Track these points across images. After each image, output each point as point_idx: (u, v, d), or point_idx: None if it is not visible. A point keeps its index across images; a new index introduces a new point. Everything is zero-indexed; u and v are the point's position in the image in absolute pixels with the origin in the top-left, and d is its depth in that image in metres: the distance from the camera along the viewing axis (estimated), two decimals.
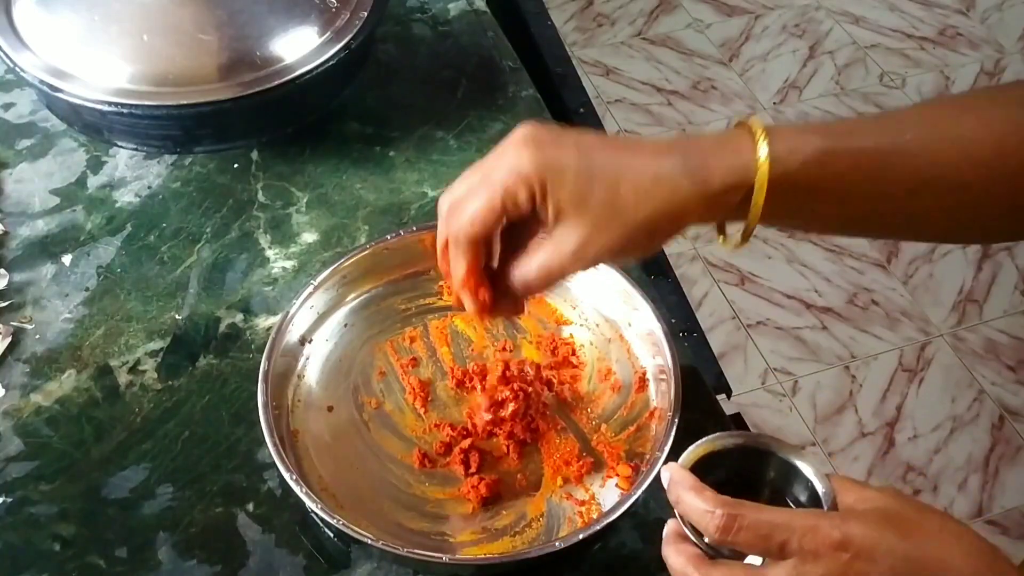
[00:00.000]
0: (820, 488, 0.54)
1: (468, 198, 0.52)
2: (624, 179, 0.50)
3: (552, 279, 0.53)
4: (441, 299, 0.74)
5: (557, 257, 0.51)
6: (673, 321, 0.69)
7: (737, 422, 0.72)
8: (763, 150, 0.50)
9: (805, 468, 0.56)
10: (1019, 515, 1.61)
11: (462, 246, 0.53)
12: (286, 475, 0.61)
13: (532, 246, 0.53)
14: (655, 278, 0.83)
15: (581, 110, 1.01)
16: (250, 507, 0.65)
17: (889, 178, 0.52)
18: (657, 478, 0.61)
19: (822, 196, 0.52)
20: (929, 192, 0.53)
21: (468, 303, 0.55)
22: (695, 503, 0.49)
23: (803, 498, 0.56)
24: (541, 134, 0.51)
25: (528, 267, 0.53)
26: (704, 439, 0.56)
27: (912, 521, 0.47)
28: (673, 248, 1.96)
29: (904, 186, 0.53)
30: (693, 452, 0.56)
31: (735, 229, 0.54)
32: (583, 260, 0.51)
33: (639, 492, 0.60)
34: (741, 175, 0.50)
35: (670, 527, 0.52)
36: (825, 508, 0.53)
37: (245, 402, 0.70)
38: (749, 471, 0.58)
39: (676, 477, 0.50)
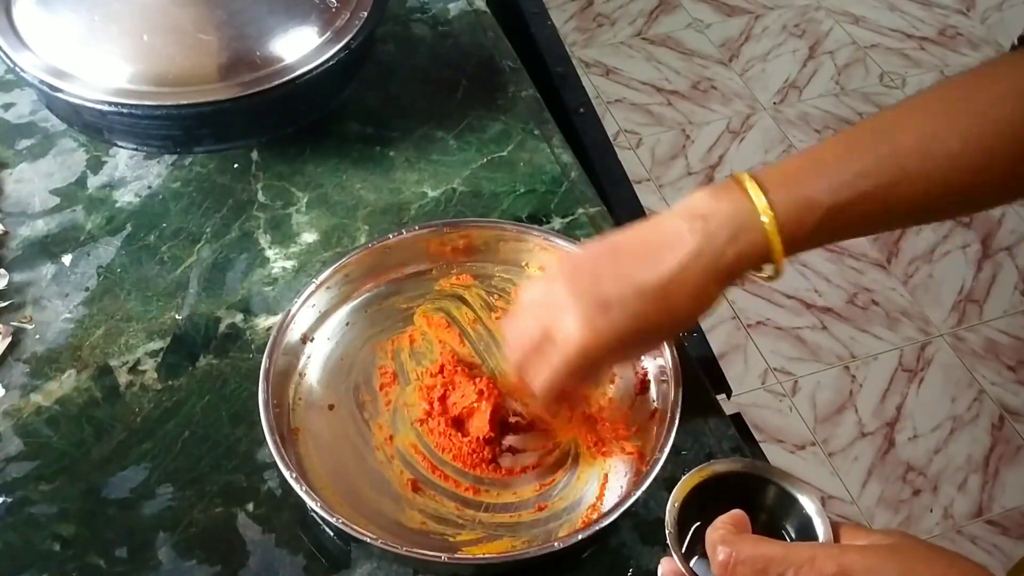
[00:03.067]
0: (816, 519, 0.54)
1: (539, 366, 0.58)
2: (666, 318, 0.56)
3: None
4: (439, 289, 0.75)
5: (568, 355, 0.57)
6: None
7: (737, 422, 0.72)
8: (776, 238, 0.54)
9: (801, 497, 0.56)
10: (1019, 515, 1.61)
11: (548, 400, 0.60)
12: (286, 473, 0.61)
13: None
14: None
15: (581, 110, 1.01)
16: (250, 507, 0.65)
17: (894, 210, 0.56)
18: (658, 478, 0.61)
19: (833, 239, 0.57)
20: (934, 205, 0.56)
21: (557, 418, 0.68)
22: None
23: (799, 526, 0.56)
24: (589, 311, 0.55)
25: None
26: (701, 466, 0.57)
27: (919, 557, 0.46)
28: None
29: (909, 209, 0.56)
30: (690, 479, 0.56)
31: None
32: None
33: (639, 492, 0.60)
34: (759, 257, 0.55)
35: (666, 566, 0.53)
36: (821, 537, 0.53)
37: (245, 402, 0.70)
38: (745, 498, 0.58)
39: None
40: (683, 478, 0.56)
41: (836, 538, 0.53)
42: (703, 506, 0.58)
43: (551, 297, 0.57)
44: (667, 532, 0.54)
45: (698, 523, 0.59)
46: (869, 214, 0.55)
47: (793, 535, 0.57)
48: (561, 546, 0.59)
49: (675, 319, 0.56)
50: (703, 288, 0.55)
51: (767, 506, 0.58)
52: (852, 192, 0.54)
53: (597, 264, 0.56)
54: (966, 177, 0.55)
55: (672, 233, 0.55)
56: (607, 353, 0.56)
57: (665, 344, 0.67)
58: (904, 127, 0.56)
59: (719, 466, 0.57)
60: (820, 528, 0.54)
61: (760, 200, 0.54)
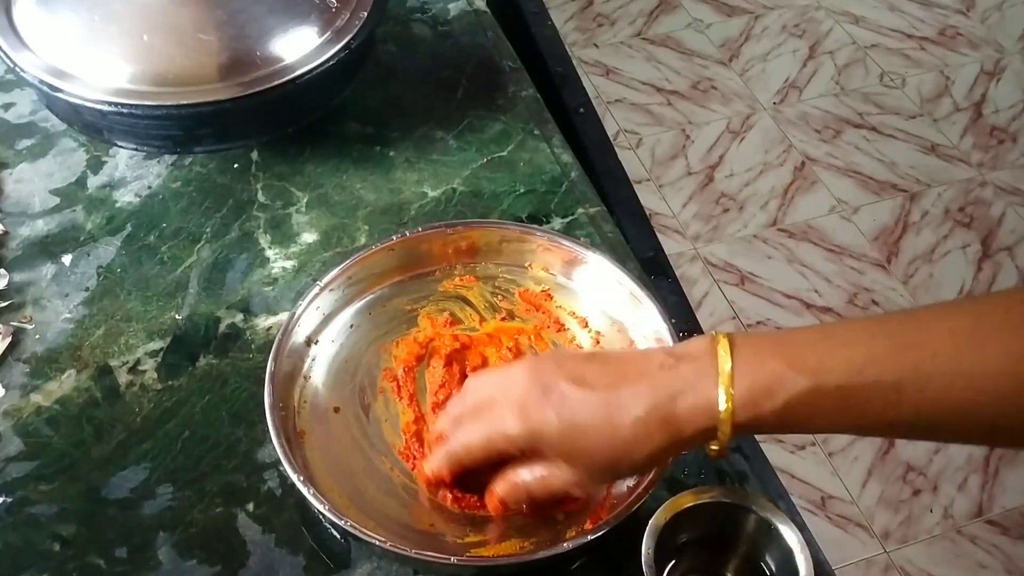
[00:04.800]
0: (797, 550, 0.54)
1: (469, 425, 0.58)
2: (603, 441, 0.53)
3: (545, 497, 0.58)
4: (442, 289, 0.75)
5: (562, 484, 0.56)
6: (673, 321, 0.69)
7: None
8: (722, 402, 0.49)
9: (783, 528, 0.56)
10: (1019, 515, 1.61)
11: (450, 461, 0.60)
12: (293, 476, 0.60)
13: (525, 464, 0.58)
14: (655, 278, 0.83)
15: (581, 110, 1.01)
16: (250, 507, 0.65)
17: (889, 415, 0.48)
18: (664, 479, 0.61)
19: (806, 428, 0.51)
20: (934, 426, 0.49)
21: (425, 487, 0.64)
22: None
23: (780, 558, 0.56)
24: (531, 394, 0.55)
25: (537, 488, 0.57)
26: (680, 494, 0.57)
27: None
28: (673, 248, 1.96)
29: (911, 417, 0.48)
30: (669, 506, 0.56)
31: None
32: (584, 490, 0.58)
33: (647, 494, 0.60)
34: (710, 421, 0.51)
35: None
36: (802, 571, 0.53)
37: (245, 402, 0.70)
38: (726, 527, 0.58)
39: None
40: (662, 507, 0.56)
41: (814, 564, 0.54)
42: (682, 535, 0.58)
43: (509, 371, 0.58)
44: (644, 562, 0.54)
45: (674, 560, 0.59)
46: (851, 414, 0.48)
47: (773, 567, 0.57)
48: (571, 547, 0.59)
49: (610, 444, 0.53)
50: (644, 425, 0.52)
51: (748, 536, 0.58)
52: (842, 378, 0.48)
53: (564, 360, 0.56)
54: (987, 404, 0.46)
55: (643, 363, 0.53)
56: (528, 441, 0.54)
57: (670, 344, 0.67)
58: (930, 341, 0.48)
59: (700, 495, 0.57)
60: (801, 561, 0.54)
61: (724, 361, 0.50)
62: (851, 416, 0.49)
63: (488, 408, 0.57)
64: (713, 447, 0.52)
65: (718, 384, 0.50)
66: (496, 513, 0.61)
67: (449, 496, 0.63)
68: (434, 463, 0.61)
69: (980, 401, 0.46)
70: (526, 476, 0.57)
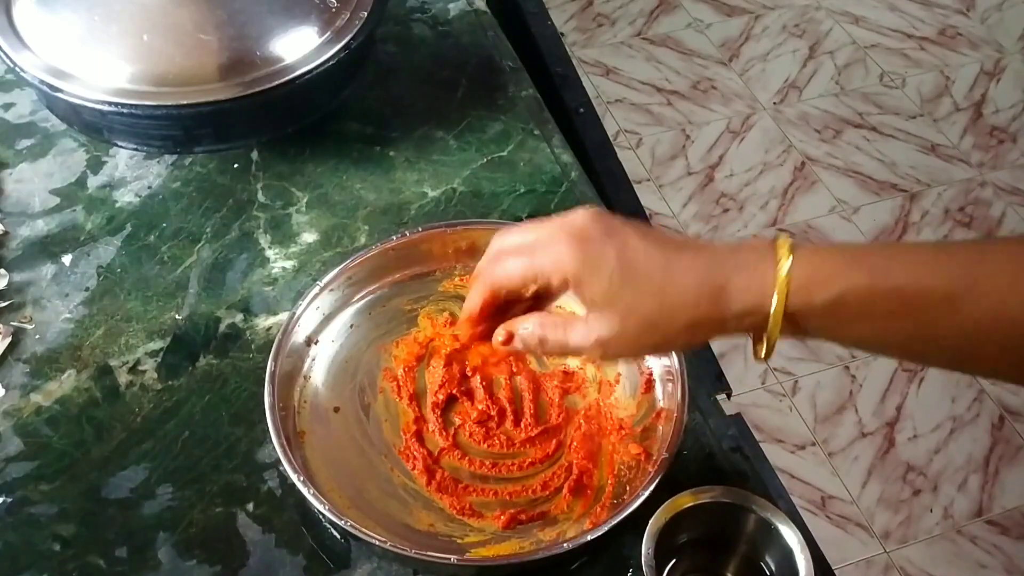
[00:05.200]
0: (797, 551, 0.54)
1: (514, 255, 0.54)
2: (653, 292, 0.51)
3: (565, 353, 0.57)
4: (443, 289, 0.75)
5: (582, 339, 0.54)
6: None
7: (737, 422, 0.72)
8: (783, 272, 0.49)
9: (784, 528, 0.56)
10: (1019, 515, 1.61)
11: (486, 288, 0.56)
12: (293, 476, 0.60)
13: (557, 313, 0.57)
14: None
15: (581, 110, 1.01)
16: (250, 507, 0.65)
17: (940, 326, 0.48)
18: (664, 479, 0.61)
19: (854, 331, 0.50)
20: (980, 346, 0.48)
21: (463, 330, 0.59)
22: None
23: (780, 559, 0.56)
24: (594, 230, 0.52)
25: (553, 334, 0.55)
26: (681, 494, 0.57)
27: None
28: None
29: (959, 332, 0.48)
30: (670, 505, 0.56)
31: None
32: (604, 353, 0.54)
33: (647, 493, 0.60)
34: (760, 302, 0.49)
35: None
36: (802, 572, 0.53)
37: (245, 402, 0.70)
38: (727, 528, 0.58)
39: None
40: (662, 507, 0.56)
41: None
42: (682, 535, 0.58)
43: (569, 215, 0.54)
44: (644, 562, 0.54)
45: (674, 560, 0.59)
46: (904, 321, 0.48)
47: (773, 567, 0.57)
48: (570, 547, 0.59)
49: (659, 301, 0.51)
50: (696, 307, 0.51)
51: (748, 536, 0.58)
52: (898, 279, 0.48)
53: (630, 220, 0.53)
54: None
55: (691, 242, 0.53)
56: (578, 276, 0.52)
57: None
58: (991, 254, 0.49)
59: (700, 495, 0.57)
60: (802, 562, 0.54)
61: (784, 250, 0.49)
62: (901, 322, 0.48)
63: (543, 242, 0.53)
64: (758, 344, 0.51)
65: (776, 267, 0.49)
66: (495, 347, 0.58)
67: (447, 500, 0.63)
68: (472, 294, 0.57)
69: None
70: (547, 320, 0.55)
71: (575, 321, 0.54)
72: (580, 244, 0.52)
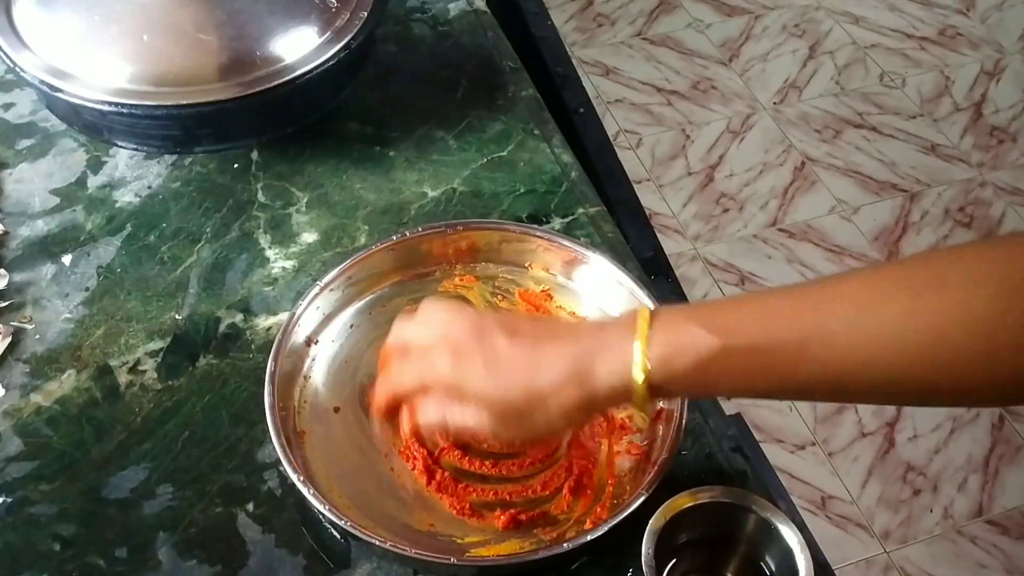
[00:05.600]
0: (797, 551, 0.54)
1: (408, 363, 0.60)
2: (521, 384, 0.54)
3: (462, 434, 0.61)
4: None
5: (471, 422, 0.58)
6: None
7: (737, 422, 0.72)
8: (637, 358, 0.51)
9: (783, 528, 0.56)
10: (1019, 515, 1.61)
11: (388, 393, 0.62)
12: (293, 476, 0.60)
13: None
14: (655, 278, 0.83)
15: (581, 110, 1.02)
16: (250, 507, 0.65)
17: (799, 373, 0.49)
18: (664, 479, 0.61)
19: (719, 389, 0.54)
20: (843, 385, 0.50)
21: (378, 418, 0.66)
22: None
23: (780, 559, 0.56)
24: (467, 338, 0.56)
25: (452, 417, 0.59)
26: (681, 494, 0.57)
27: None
28: (673, 248, 1.96)
29: (820, 377, 0.49)
30: (670, 505, 0.56)
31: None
32: (498, 437, 0.59)
33: (647, 493, 0.60)
34: (624, 380, 0.52)
35: None
36: (802, 571, 0.53)
37: (245, 402, 0.70)
38: (726, 528, 0.58)
39: None
40: (661, 507, 0.56)
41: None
42: (682, 535, 0.58)
43: (454, 318, 0.58)
44: (644, 562, 0.54)
45: (674, 560, 0.59)
46: (765, 373, 0.50)
47: (773, 567, 0.57)
48: (570, 547, 0.59)
49: (526, 395, 0.54)
50: (567, 397, 0.54)
51: (748, 536, 0.58)
52: (753, 337, 0.49)
53: (507, 315, 0.60)
54: (896, 362, 0.47)
55: (561, 327, 0.58)
56: (454, 385, 0.56)
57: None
58: (839, 297, 0.50)
59: (699, 495, 0.57)
60: (801, 561, 0.54)
61: (640, 316, 0.52)
62: (762, 375, 0.50)
63: (428, 349, 0.58)
64: (629, 411, 0.54)
65: (633, 343, 0.51)
66: (407, 439, 0.64)
67: (447, 500, 0.64)
68: (378, 393, 0.63)
69: (883, 358, 0.47)
70: (446, 408, 0.58)
71: (470, 409, 0.57)
72: (453, 359, 0.56)
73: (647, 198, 2.04)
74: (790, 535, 0.55)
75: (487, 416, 0.56)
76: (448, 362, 0.56)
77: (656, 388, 0.52)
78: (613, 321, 0.56)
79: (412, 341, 0.60)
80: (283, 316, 0.74)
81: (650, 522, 0.56)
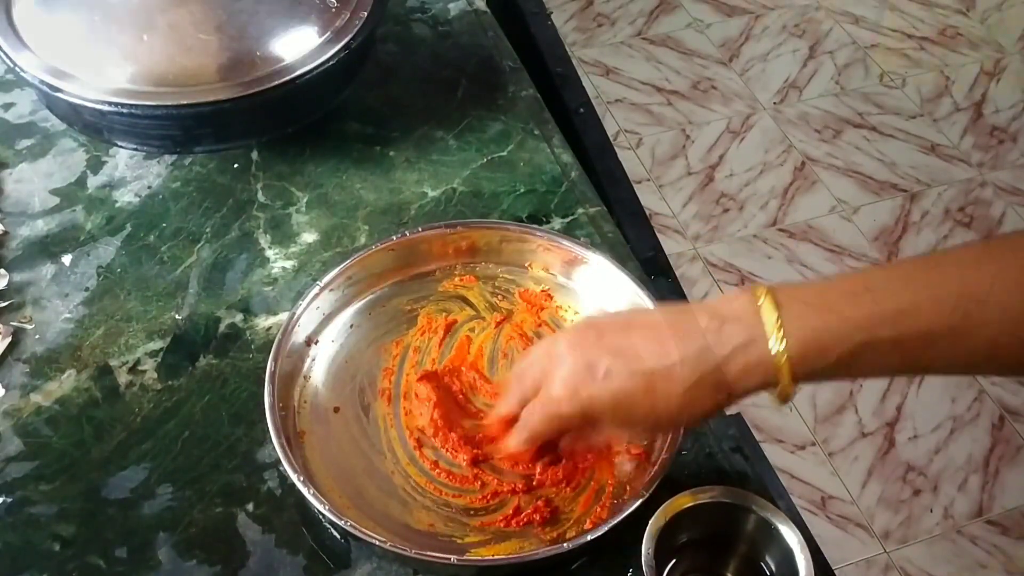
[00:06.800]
0: (797, 551, 0.54)
1: (530, 410, 0.59)
2: (654, 406, 0.54)
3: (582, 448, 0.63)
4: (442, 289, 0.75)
5: (599, 438, 0.62)
6: None
7: (737, 422, 0.72)
8: (778, 352, 0.50)
9: (783, 528, 0.56)
10: (1019, 515, 1.61)
11: (525, 443, 0.61)
12: (293, 476, 0.60)
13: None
14: (655, 278, 0.83)
15: (581, 110, 1.01)
16: (250, 507, 0.65)
17: (938, 359, 0.50)
18: (664, 479, 0.61)
19: (861, 374, 0.52)
20: (987, 366, 0.52)
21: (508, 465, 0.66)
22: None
23: (780, 559, 0.56)
24: (577, 373, 0.55)
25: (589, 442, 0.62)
26: (681, 494, 0.57)
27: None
28: (673, 248, 1.96)
29: (957, 364, 0.51)
30: (670, 505, 0.56)
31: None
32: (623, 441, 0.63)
33: (647, 493, 0.60)
34: (763, 379, 0.51)
35: None
36: (802, 571, 0.53)
37: (245, 402, 0.70)
38: (726, 528, 0.58)
39: None
40: (662, 507, 0.56)
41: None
42: (682, 535, 0.58)
43: (554, 348, 0.57)
44: (644, 562, 0.54)
45: (674, 560, 0.59)
46: (904, 361, 0.50)
47: (773, 567, 0.57)
48: (570, 547, 0.59)
49: (662, 411, 0.54)
50: (695, 391, 0.52)
51: (748, 536, 0.58)
52: (895, 330, 0.48)
53: (605, 331, 0.56)
54: None
55: (685, 327, 0.53)
56: (583, 417, 0.56)
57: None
58: (976, 265, 0.49)
59: (700, 495, 0.57)
60: (801, 561, 0.54)
61: (771, 323, 0.50)
62: (908, 361, 0.50)
63: (543, 388, 0.57)
64: (775, 398, 0.52)
65: (767, 344, 0.50)
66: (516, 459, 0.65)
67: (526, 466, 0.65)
68: (513, 446, 0.61)
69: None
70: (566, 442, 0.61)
71: (598, 429, 0.59)
72: (571, 396, 0.55)
73: (647, 198, 2.04)
74: (790, 535, 0.55)
75: (619, 431, 0.57)
76: (567, 400, 0.55)
77: (798, 380, 0.50)
78: (731, 313, 0.52)
79: (523, 387, 0.59)
80: (283, 316, 0.74)
81: (650, 522, 0.56)
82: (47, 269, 0.78)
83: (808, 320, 0.50)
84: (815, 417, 1.73)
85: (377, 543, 0.58)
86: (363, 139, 0.89)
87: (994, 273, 0.48)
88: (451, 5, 1.01)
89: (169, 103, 0.80)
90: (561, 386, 0.55)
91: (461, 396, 0.69)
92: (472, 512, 0.64)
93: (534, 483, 0.64)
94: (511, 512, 0.63)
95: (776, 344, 0.50)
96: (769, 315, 0.50)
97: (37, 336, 0.73)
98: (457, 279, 0.76)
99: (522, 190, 0.84)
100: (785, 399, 0.51)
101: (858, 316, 0.49)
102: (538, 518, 0.63)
